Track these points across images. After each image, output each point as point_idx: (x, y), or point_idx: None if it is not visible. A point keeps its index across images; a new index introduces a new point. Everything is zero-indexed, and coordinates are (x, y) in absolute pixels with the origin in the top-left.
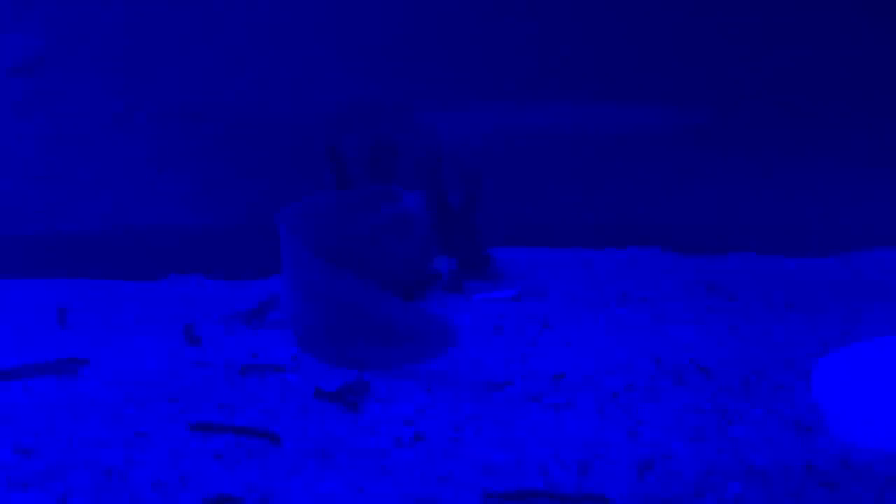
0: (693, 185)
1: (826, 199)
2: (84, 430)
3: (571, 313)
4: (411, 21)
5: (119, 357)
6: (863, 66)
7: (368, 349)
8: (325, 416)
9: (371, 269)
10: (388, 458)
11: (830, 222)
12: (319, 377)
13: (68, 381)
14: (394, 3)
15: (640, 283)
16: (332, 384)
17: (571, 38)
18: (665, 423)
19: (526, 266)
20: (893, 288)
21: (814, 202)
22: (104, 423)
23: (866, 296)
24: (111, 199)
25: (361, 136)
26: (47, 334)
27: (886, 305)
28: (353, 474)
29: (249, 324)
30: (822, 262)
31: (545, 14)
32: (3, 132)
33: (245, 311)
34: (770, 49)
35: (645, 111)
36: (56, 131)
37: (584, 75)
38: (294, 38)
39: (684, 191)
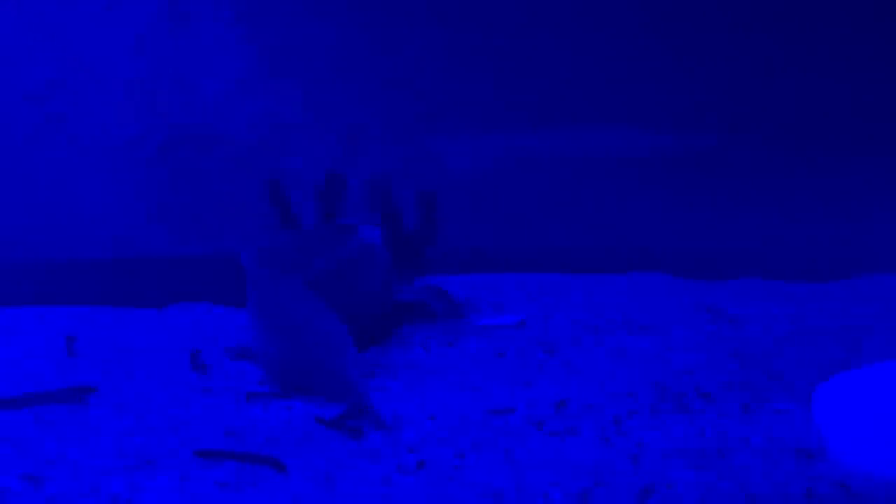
0: (696, 210)
1: (829, 225)
2: (91, 457)
3: (574, 339)
4: (402, 49)
5: (127, 385)
6: (867, 92)
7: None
8: (329, 443)
9: (336, 305)
10: (391, 484)
11: (833, 247)
12: (324, 405)
13: (76, 409)
14: (373, 34)
15: (642, 309)
16: (336, 412)
17: (579, 64)
18: (666, 449)
19: (530, 291)
20: (894, 312)
21: (816, 227)
22: (111, 451)
23: (867, 320)
24: (121, 227)
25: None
26: (56, 362)
27: (888, 330)
28: (356, 501)
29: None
30: (825, 287)
31: (547, 38)
32: (15, 159)
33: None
34: (773, 75)
35: (649, 137)
36: (67, 158)
37: (590, 101)
38: (294, 68)
39: (687, 216)
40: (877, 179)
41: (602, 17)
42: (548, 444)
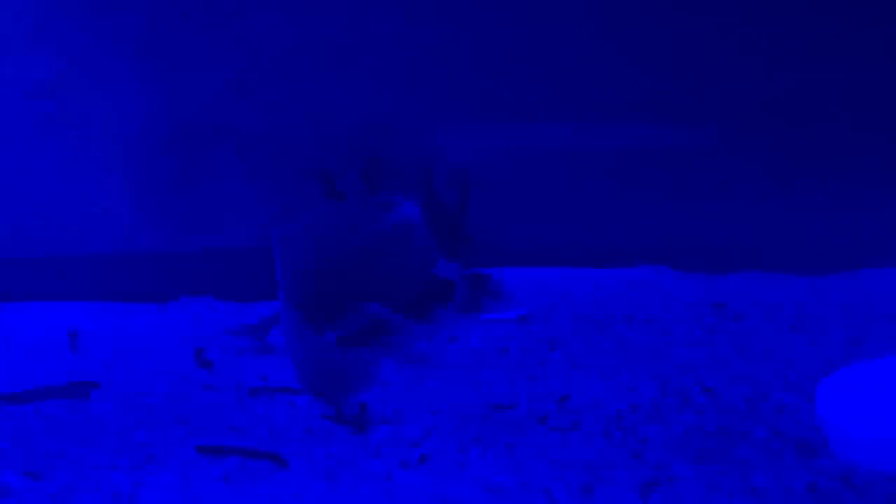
0: (700, 204)
1: (832, 218)
2: (94, 453)
3: (578, 334)
4: (406, 40)
5: (130, 380)
6: (869, 84)
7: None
8: (332, 438)
9: (375, 279)
10: (393, 479)
11: (836, 241)
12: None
13: (79, 404)
14: (389, 25)
15: (646, 303)
16: (343, 403)
17: (581, 57)
18: (669, 444)
19: (533, 286)
20: None
21: (820, 220)
22: (114, 446)
23: (871, 315)
24: (124, 222)
25: (351, 155)
26: (58, 357)
27: (890, 324)
28: (358, 496)
29: (254, 339)
30: (828, 281)
31: (550, 31)
32: (19, 155)
33: (247, 327)
34: (777, 67)
35: (652, 130)
36: (71, 154)
37: (591, 93)
38: (303, 59)
39: (691, 209)
40: (879, 172)
41: (604, 8)
42: (550, 438)
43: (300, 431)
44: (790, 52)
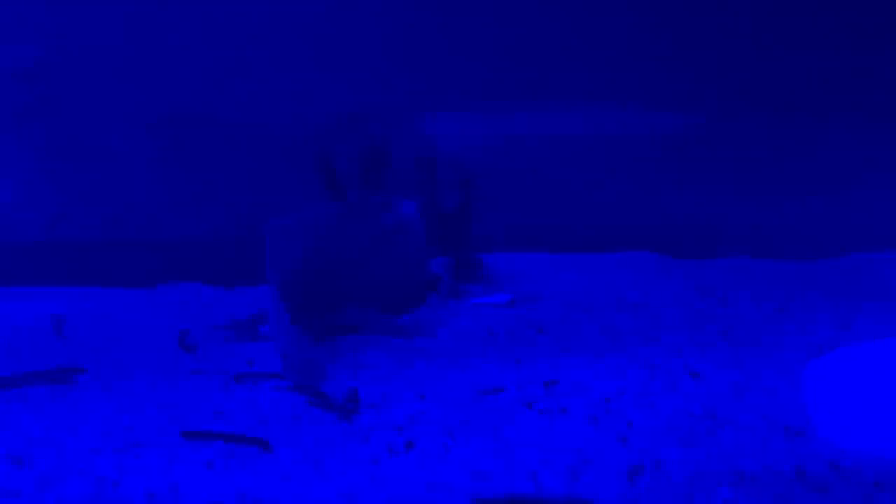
0: (686, 189)
1: (818, 202)
2: (78, 438)
3: (565, 318)
4: (403, 27)
5: (115, 365)
6: (855, 69)
7: None
8: (318, 423)
9: (371, 278)
10: (379, 465)
11: (824, 225)
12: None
13: (64, 389)
14: (386, 11)
15: (633, 287)
16: (326, 391)
17: (563, 42)
18: (656, 428)
19: (521, 270)
20: (884, 290)
21: (806, 205)
22: (98, 432)
23: (858, 299)
24: (109, 208)
25: (352, 145)
26: (44, 343)
27: (877, 308)
28: (345, 481)
29: (240, 338)
30: (815, 266)
31: (537, 18)
32: (1, 139)
33: (235, 323)
34: (761, 53)
35: (639, 115)
36: (55, 139)
37: (577, 79)
38: (289, 47)
39: (678, 194)
40: (867, 157)
41: None
42: (537, 423)
43: (287, 417)
44: (774, 38)
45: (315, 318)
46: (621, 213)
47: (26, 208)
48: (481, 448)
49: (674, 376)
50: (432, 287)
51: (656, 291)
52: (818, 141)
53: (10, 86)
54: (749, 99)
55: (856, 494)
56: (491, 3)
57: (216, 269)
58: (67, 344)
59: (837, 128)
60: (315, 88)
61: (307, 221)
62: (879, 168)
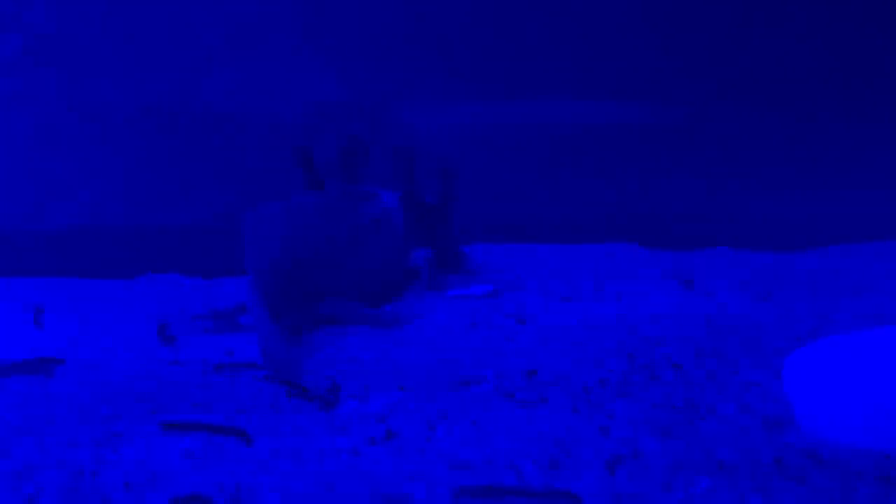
0: (670, 181)
1: (801, 195)
2: (56, 429)
3: (546, 309)
4: (386, 20)
5: (94, 356)
6: (839, 62)
7: None
8: (297, 414)
9: (350, 269)
10: (359, 456)
11: (803, 217)
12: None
13: (43, 380)
14: (366, 4)
15: (614, 278)
16: (306, 382)
17: (547, 36)
18: (636, 418)
19: (502, 261)
20: (864, 283)
21: (789, 197)
22: (77, 423)
23: (838, 291)
24: (88, 198)
25: (333, 137)
26: (23, 333)
27: (857, 300)
28: (324, 471)
29: (219, 329)
30: (796, 257)
31: (522, 11)
32: None
33: (214, 313)
34: (744, 46)
35: (622, 107)
36: (34, 131)
37: (560, 72)
38: (269, 38)
39: (661, 186)
40: (847, 149)
41: None
42: (518, 414)
43: (266, 407)
44: (757, 30)
45: (294, 309)
46: (604, 205)
47: (5, 198)
48: (461, 438)
49: (654, 367)
50: (412, 278)
51: (638, 283)
52: (800, 135)
53: None
54: (731, 93)
55: (834, 484)
56: None
57: (196, 260)
58: (46, 334)
59: (819, 123)
60: (295, 80)
61: (286, 211)
62: (860, 162)
